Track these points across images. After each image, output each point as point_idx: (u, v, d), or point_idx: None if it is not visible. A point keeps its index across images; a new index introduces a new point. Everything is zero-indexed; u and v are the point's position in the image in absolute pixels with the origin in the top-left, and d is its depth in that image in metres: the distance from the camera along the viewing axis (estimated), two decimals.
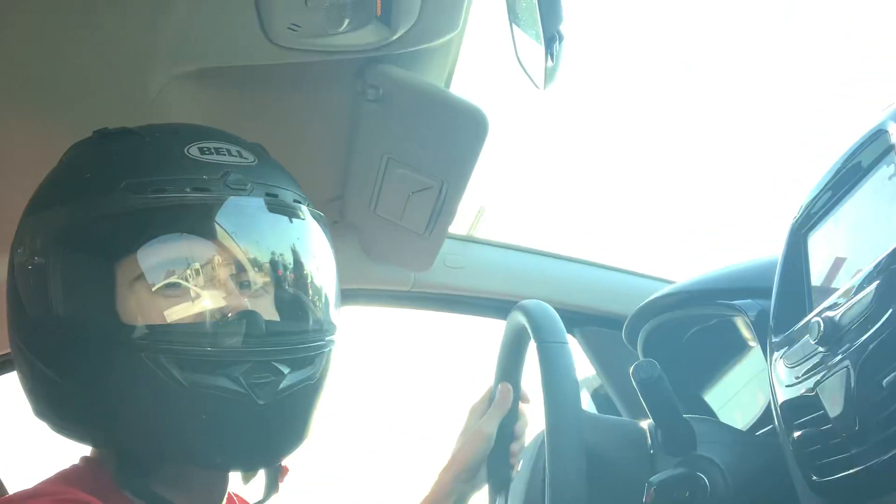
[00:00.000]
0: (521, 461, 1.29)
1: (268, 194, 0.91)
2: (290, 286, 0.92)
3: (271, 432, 0.88)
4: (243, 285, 0.89)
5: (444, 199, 1.49)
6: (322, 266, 0.96)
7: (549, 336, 1.14)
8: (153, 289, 0.86)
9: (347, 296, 1.88)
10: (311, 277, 0.94)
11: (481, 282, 1.88)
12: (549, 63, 1.08)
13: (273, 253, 0.92)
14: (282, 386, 0.86)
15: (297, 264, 0.93)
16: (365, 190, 1.54)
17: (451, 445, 1.32)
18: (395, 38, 1.16)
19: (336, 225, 1.68)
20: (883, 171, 0.95)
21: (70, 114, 1.24)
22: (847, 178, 1.02)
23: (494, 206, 1.90)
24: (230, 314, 0.86)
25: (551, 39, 1.06)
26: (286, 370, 0.86)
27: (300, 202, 0.96)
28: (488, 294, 1.89)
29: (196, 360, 0.84)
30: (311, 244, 0.95)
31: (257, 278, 0.89)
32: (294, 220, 0.94)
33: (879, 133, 0.96)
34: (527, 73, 1.18)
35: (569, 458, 1.01)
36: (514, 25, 1.18)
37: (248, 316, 0.86)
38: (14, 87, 1.17)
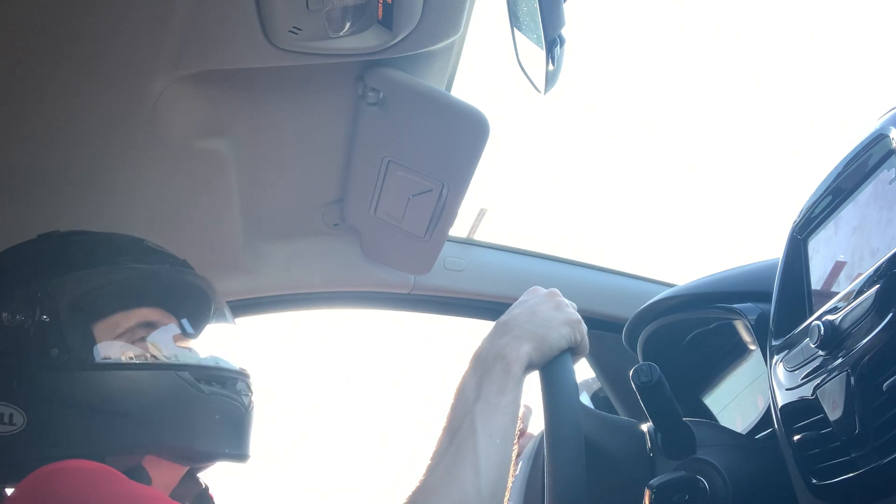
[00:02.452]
0: (521, 461, 1.29)
1: None
2: None
3: None
4: None
5: (445, 201, 1.49)
6: None
7: None
8: None
9: (347, 298, 1.88)
10: None
11: (481, 285, 1.88)
12: (550, 67, 1.08)
13: None
14: None
15: None
16: (365, 192, 1.53)
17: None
18: (396, 41, 1.16)
19: (336, 227, 1.69)
20: (884, 176, 0.95)
21: (72, 116, 1.24)
22: (848, 181, 1.02)
23: (495, 209, 1.90)
24: None
25: (552, 43, 1.06)
26: None
27: None
28: (488, 297, 1.88)
29: None
30: None
31: None
32: None
33: (880, 137, 0.96)
34: (528, 77, 1.18)
35: (568, 448, 1.00)
36: (515, 29, 1.18)
37: None
38: (15, 88, 1.17)
